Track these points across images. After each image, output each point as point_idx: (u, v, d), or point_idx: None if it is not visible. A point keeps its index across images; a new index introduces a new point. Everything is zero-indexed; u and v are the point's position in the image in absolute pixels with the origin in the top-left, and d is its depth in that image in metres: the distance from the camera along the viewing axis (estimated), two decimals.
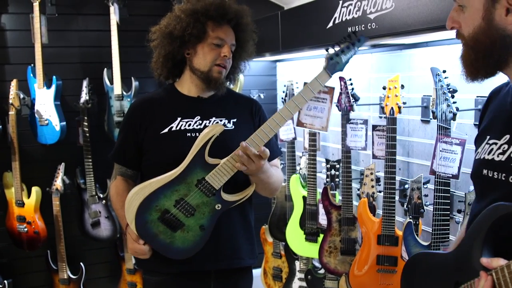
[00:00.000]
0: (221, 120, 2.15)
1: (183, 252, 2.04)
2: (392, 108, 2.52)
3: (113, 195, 2.25)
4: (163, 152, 2.12)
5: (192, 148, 1.99)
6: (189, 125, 2.12)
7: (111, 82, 3.76)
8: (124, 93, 3.73)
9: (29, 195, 3.74)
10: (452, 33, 2.24)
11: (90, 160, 3.72)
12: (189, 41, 2.10)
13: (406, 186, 2.74)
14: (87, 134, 3.71)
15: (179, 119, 2.13)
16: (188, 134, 2.11)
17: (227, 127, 2.15)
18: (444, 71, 2.23)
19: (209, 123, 2.13)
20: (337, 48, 2.08)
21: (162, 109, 2.18)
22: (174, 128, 2.12)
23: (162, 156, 2.12)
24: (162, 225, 2.01)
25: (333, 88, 2.47)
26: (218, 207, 2.01)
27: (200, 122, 2.13)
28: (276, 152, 2.30)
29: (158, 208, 2.00)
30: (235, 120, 2.18)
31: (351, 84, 2.86)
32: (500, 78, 1.39)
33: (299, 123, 2.50)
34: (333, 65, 2.04)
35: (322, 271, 3.45)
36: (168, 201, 2.00)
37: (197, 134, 2.08)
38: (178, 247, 2.03)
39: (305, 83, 2.06)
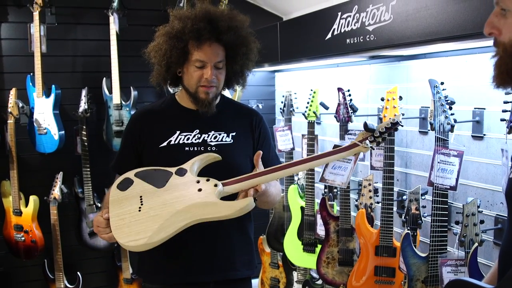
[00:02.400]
0: (219, 134, 2.14)
1: None
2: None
3: (106, 196, 2.23)
4: (162, 165, 2.10)
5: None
6: (188, 139, 2.11)
7: (110, 92, 3.76)
8: (123, 102, 3.74)
9: (26, 204, 3.73)
10: (449, 46, 2.29)
11: (88, 169, 3.72)
12: (172, 66, 2.10)
13: (404, 197, 2.74)
14: (86, 143, 3.71)
15: (178, 132, 2.12)
16: (187, 148, 2.10)
17: (226, 141, 2.14)
18: (442, 83, 2.24)
19: (207, 136, 2.12)
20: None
21: (162, 122, 2.17)
22: (172, 142, 2.11)
23: None
24: None
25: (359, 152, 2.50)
26: None
27: (199, 136, 2.12)
28: (275, 164, 2.26)
29: None
30: (234, 133, 2.16)
31: (350, 95, 2.88)
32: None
33: (322, 179, 2.57)
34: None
35: (319, 281, 3.45)
36: None
37: (195, 148, 2.09)
38: None
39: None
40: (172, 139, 2.12)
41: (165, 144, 2.11)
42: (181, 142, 2.11)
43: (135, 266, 2.30)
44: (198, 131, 2.13)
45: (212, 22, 2.04)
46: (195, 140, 2.11)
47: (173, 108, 2.21)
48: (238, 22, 2.10)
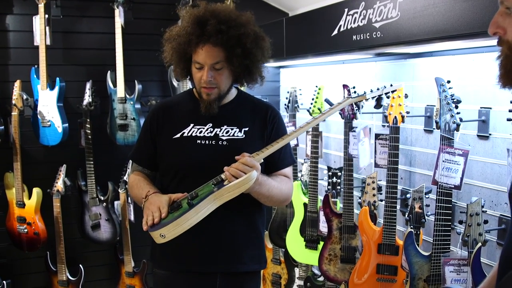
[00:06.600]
0: (232, 129, 2.16)
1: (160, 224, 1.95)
2: (395, 117, 2.51)
3: (131, 181, 2.26)
4: (174, 157, 2.17)
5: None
6: (200, 132, 2.15)
7: (114, 85, 3.76)
8: (127, 96, 3.73)
9: (30, 196, 3.74)
10: (456, 44, 2.27)
11: (92, 162, 3.72)
12: (178, 65, 2.17)
13: (408, 195, 2.74)
14: (89, 136, 3.71)
15: (191, 125, 2.16)
16: (198, 141, 2.13)
17: (237, 136, 2.16)
18: (449, 82, 2.23)
19: (220, 131, 2.15)
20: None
21: (178, 114, 2.22)
22: (185, 134, 2.15)
23: (173, 160, 2.17)
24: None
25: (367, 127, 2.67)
26: (214, 189, 1.93)
27: (211, 129, 2.15)
28: (284, 161, 2.24)
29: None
30: (246, 129, 2.18)
31: (355, 92, 2.86)
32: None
33: (376, 165, 2.75)
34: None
35: (321, 278, 3.44)
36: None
37: (207, 141, 2.13)
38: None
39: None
40: (186, 131, 2.16)
41: (178, 135, 2.16)
42: (193, 134, 2.15)
43: (151, 252, 2.34)
44: (211, 124, 2.16)
45: (201, 26, 2.03)
46: (207, 133, 2.15)
47: (189, 102, 2.24)
48: (230, 23, 2.04)
